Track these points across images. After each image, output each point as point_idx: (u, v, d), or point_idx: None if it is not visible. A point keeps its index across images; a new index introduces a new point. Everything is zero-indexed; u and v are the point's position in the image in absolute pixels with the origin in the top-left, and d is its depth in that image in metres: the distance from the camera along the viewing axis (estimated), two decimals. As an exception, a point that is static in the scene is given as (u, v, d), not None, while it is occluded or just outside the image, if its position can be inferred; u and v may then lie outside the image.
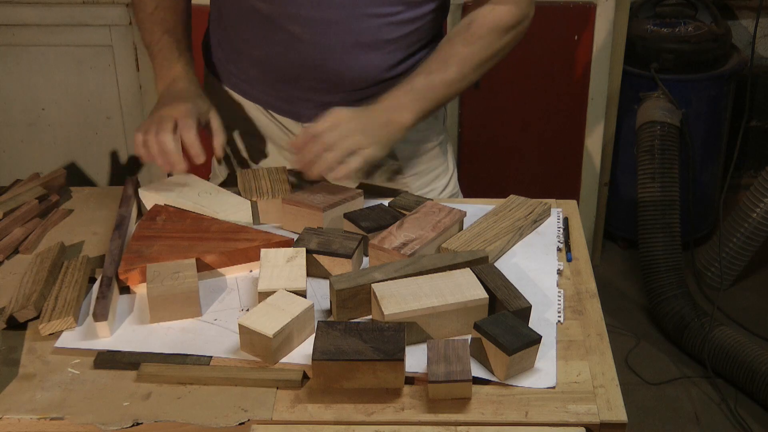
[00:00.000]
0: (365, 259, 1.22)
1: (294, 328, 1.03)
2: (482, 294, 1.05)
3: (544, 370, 1.01)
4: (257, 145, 1.50)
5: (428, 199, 1.35)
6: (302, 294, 1.08)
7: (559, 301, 1.14)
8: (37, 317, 1.09)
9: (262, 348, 1.01)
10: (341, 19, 1.29)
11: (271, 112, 1.45)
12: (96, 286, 1.16)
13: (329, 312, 1.11)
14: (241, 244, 1.19)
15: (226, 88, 1.48)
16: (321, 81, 1.36)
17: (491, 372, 0.99)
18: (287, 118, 1.45)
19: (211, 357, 1.03)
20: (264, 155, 1.50)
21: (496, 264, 1.20)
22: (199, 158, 1.28)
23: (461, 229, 1.27)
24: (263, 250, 1.16)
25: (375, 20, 1.30)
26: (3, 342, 1.07)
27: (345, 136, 1.23)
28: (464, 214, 1.26)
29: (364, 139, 1.25)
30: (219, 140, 1.34)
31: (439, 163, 1.52)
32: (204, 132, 1.34)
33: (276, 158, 1.49)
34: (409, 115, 1.30)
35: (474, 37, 1.32)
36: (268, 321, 1.01)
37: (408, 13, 1.32)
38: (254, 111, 1.47)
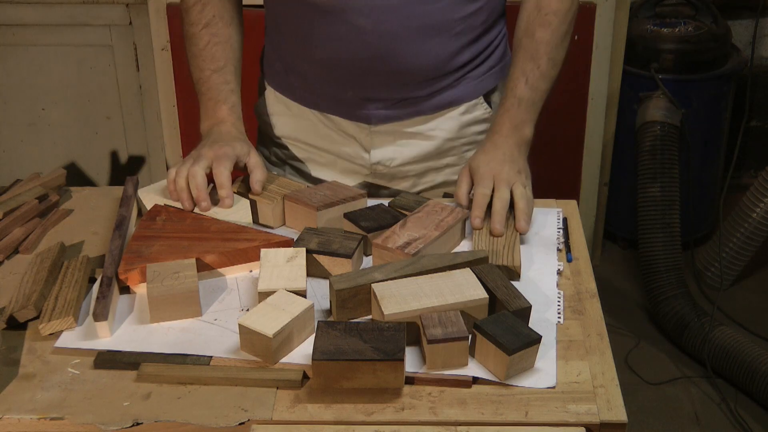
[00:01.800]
0: (365, 259, 1.22)
1: (294, 328, 1.03)
2: (482, 294, 1.05)
3: (544, 370, 1.01)
4: (315, 156, 1.48)
5: (428, 198, 1.35)
6: (302, 294, 1.08)
7: (559, 301, 1.14)
8: (37, 317, 1.09)
9: (262, 348, 1.01)
10: (403, 3, 1.27)
11: (334, 118, 1.42)
12: (96, 286, 1.16)
13: (329, 312, 1.11)
14: (241, 244, 1.19)
15: (285, 99, 1.46)
16: (389, 73, 1.34)
17: (491, 372, 0.99)
18: (354, 122, 1.41)
19: (211, 357, 1.03)
20: (324, 165, 1.49)
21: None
22: (226, 202, 1.27)
23: (464, 228, 1.26)
24: (263, 250, 1.16)
25: (437, 2, 1.29)
26: (3, 342, 1.07)
27: (509, 180, 1.26)
28: (467, 213, 1.27)
29: (517, 171, 1.28)
30: (257, 176, 1.32)
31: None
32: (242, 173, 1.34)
33: (333, 169, 1.48)
34: (529, 127, 1.33)
35: (549, 15, 1.32)
36: (268, 321, 1.01)
37: None
38: (315, 122, 1.44)
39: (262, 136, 1.56)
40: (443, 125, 1.42)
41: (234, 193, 1.30)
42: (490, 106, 1.44)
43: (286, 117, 1.47)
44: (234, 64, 1.41)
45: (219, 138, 1.33)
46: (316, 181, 1.48)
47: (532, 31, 1.32)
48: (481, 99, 1.43)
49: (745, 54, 2.94)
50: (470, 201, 1.29)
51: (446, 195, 1.47)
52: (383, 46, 1.31)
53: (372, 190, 1.47)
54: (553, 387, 0.98)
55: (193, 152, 1.32)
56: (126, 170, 2.96)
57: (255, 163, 1.33)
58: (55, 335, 1.07)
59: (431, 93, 1.38)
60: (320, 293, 1.15)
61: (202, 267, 1.17)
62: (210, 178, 1.28)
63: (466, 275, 1.08)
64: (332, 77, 1.38)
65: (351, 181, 1.46)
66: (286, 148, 1.51)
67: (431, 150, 1.44)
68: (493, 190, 1.27)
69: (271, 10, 1.41)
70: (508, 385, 0.98)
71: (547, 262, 1.22)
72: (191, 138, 2.71)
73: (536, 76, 1.32)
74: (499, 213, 1.24)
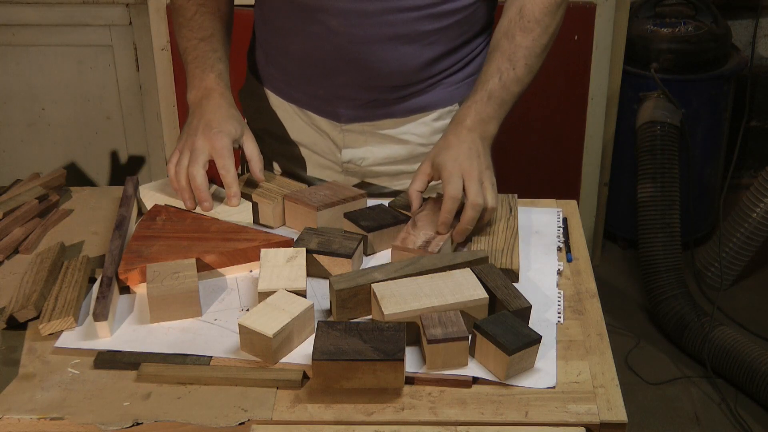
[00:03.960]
0: (365, 259, 1.22)
1: (294, 328, 1.03)
2: (482, 294, 1.05)
3: (544, 370, 1.01)
4: (291, 150, 1.48)
5: (426, 198, 1.35)
6: (302, 294, 1.08)
7: (559, 301, 1.14)
8: (37, 317, 1.09)
9: (262, 348, 1.01)
10: (377, 11, 1.27)
11: (309, 113, 1.42)
12: (96, 286, 1.16)
13: (329, 312, 1.11)
14: (241, 244, 1.19)
15: (266, 91, 1.46)
16: (358, 76, 1.34)
17: (491, 372, 0.99)
18: (326, 118, 1.41)
19: (211, 357, 1.03)
20: (298, 160, 1.48)
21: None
22: (233, 201, 1.25)
23: None
24: (263, 250, 1.16)
25: (412, 12, 1.28)
26: (3, 342, 1.07)
27: (480, 178, 1.20)
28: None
29: (485, 167, 1.22)
30: (257, 166, 1.30)
31: None
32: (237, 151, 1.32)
33: (307, 163, 1.48)
34: (495, 125, 1.27)
35: (531, 23, 1.28)
36: (268, 321, 1.01)
37: (447, 5, 1.29)
38: (292, 114, 1.45)
39: None
40: (415, 130, 1.41)
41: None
42: None
43: (266, 108, 1.47)
44: (222, 35, 1.40)
45: (211, 117, 1.29)
46: (291, 175, 1.49)
47: (513, 33, 1.29)
48: (456, 106, 1.41)
49: (745, 54, 2.94)
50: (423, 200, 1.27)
51: (439, 195, 1.46)
52: (353, 49, 1.31)
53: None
54: (553, 387, 0.98)
55: (187, 138, 1.28)
56: (126, 170, 2.96)
57: (251, 151, 1.31)
58: (55, 335, 1.07)
59: (402, 97, 1.37)
60: (320, 293, 1.15)
61: (202, 267, 1.17)
62: (209, 173, 1.27)
63: (466, 275, 1.08)
64: (305, 73, 1.38)
65: (324, 177, 1.47)
66: (263, 139, 1.50)
67: (403, 154, 1.43)
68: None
69: (258, 3, 1.42)
70: (508, 385, 0.98)
71: (547, 262, 1.22)
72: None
73: (510, 77, 1.28)
74: (468, 223, 1.19)
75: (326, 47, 1.32)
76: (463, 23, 1.34)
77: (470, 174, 1.20)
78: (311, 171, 1.47)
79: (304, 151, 1.47)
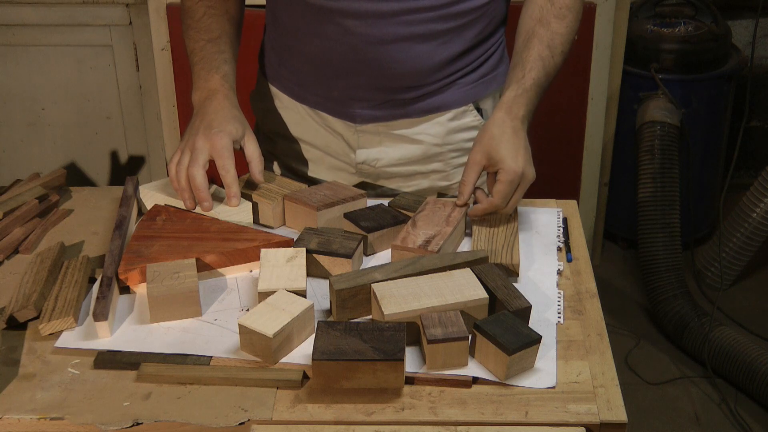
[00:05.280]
0: (365, 259, 1.22)
1: (294, 328, 1.03)
2: (482, 294, 1.05)
3: (544, 370, 1.01)
4: (303, 151, 1.48)
5: (425, 197, 1.35)
6: (302, 294, 1.08)
7: (559, 301, 1.14)
8: (37, 317, 1.09)
9: (262, 348, 1.01)
10: (394, 11, 1.27)
11: (322, 114, 1.42)
12: (96, 286, 1.16)
13: (329, 312, 1.11)
14: (241, 244, 1.19)
15: (278, 92, 1.46)
16: (373, 76, 1.33)
17: (491, 372, 0.99)
18: (340, 119, 1.40)
19: (211, 357, 1.03)
20: (310, 162, 1.48)
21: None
22: (233, 201, 1.25)
23: (465, 221, 1.27)
24: (263, 250, 1.16)
25: (428, 12, 1.28)
26: (3, 342, 1.07)
27: (527, 185, 1.24)
28: (468, 206, 1.27)
29: (534, 171, 1.25)
30: (257, 167, 1.30)
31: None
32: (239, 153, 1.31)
33: (320, 165, 1.47)
34: (531, 117, 1.29)
35: (563, 10, 1.30)
36: (268, 321, 1.01)
37: (462, 4, 1.30)
38: (304, 116, 1.44)
39: (255, 127, 1.56)
40: (430, 130, 1.41)
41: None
42: (481, 115, 1.42)
43: (278, 110, 1.47)
44: (230, 37, 1.39)
45: (212, 118, 1.29)
46: (303, 177, 1.48)
47: (548, 20, 1.30)
48: (471, 106, 1.41)
49: (745, 54, 2.94)
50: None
51: (440, 195, 1.46)
52: (369, 49, 1.30)
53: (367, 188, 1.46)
54: (553, 387, 0.98)
55: (188, 138, 1.28)
56: (126, 170, 2.96)
57: (251, 153, 1.30)
58: (55, 335, 1.07)
59: (417, 97, 1.37)
60: (320, 293, 1.15)
61: (202, 267, 1.17)
62: (209, 173, 1.27)
63: (466, 275, 1.08)
64: (319, 74, 1.38)
65: (338, 179, 1.46)
66: (275, 141, 1.50)
67: (418, 154, 1.42)
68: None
69: (270, 2, 1.42)
70: (508, 385, 0.98)
71: (547, 262, 1.22)
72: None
73: (551, 65, 1.29)
74: (478, 213, 1.25)
75: (341, 48, 1.31)
76: (478, 22, 1.34)
77: (525, 182, 1.23)
78: (324, 173, 1.47)
79: (316, 153, 1.47)
